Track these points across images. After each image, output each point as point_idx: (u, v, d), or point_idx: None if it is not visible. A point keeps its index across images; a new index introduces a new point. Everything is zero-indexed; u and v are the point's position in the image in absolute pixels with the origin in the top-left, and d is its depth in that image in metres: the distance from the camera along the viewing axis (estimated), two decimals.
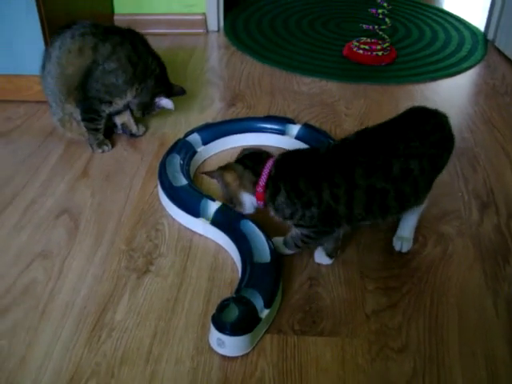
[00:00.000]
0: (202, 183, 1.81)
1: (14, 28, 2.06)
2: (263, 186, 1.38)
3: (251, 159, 1.43)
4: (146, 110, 1.99)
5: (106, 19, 2.85)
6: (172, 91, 2.00)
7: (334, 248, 1.50)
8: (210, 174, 1.48)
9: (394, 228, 1.59)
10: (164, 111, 2.09)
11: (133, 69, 1.86)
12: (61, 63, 1.84)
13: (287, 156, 1.43)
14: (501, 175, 1.90)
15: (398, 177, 1.32)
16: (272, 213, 1.42)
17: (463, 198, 1.78)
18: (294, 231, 1.46)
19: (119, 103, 1.92)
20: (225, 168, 1.44)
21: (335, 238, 1.48)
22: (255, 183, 1.39)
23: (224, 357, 1.26)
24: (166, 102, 1.97)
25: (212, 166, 1.90)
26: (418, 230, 1.59)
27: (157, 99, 1.96)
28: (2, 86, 2.22)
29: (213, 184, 1.79)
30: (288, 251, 1.52)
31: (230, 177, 1.42)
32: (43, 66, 1.88)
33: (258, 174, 1.39)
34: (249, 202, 1.43)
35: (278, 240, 1.52)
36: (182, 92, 2.05)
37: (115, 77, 1.85)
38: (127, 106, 1.97)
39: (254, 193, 1.40)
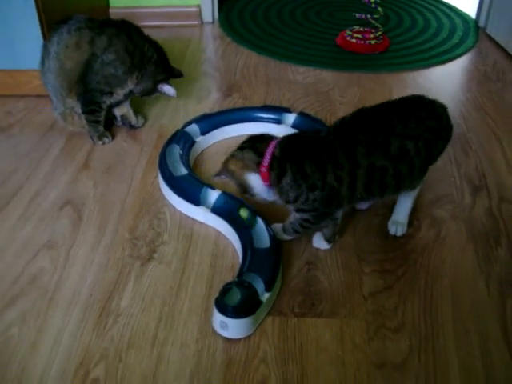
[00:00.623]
0: (201, 172, 1.85)
1: (13, 23, 2.09)
2: (267, 167, 1.39)
3: (252, 141, 1.45)
4: (148, 95, 2.03)
5: (102, 12, 2.87)
6: (173, 73, 2.04)
7: (333, 233, 1.54)
8: (217, 173, 1.48)
9: (389, 213, 1.63)
10: (163, 101, 2.13)
11: (130, 58, 1.90)
12: (59, 58, 1.86)
13: (291, 138, 1.44)
14: (492, 160, 1.94)
15: (395, 155, 1.36)
16: (275, 196, 1.44)
17: (456, 182, 1.83)
18: (293, 217, 1.50)
19: (120, 93, 1.96)
20: (226, 160, 1.46)
21: (333, 224, 1.52)
22: (259, 163, 1.40)
23: (227, 339, 1.30)
24: (168, 89, 2.00)
25: (211, 155, 1.95)
26: (412, 214, 1.63)
27: (159, 85, 2.00)
28: (1, 81, 2.25)
29: (212, 173, 1.83)
30: (287, 237, 1.56)
31: (232, 165, 1.43)
32: (42, 62, 1.91)
33: (261, 154, 1.40)
34: (259, 185, 1.43)
35: (277, 226, 1.56)
36: (180, 75, 2.07)
37: (114, 68, 1.88)
38: (127, 96, 2.01)
39: (258, 173, 1.40)
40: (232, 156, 1.45)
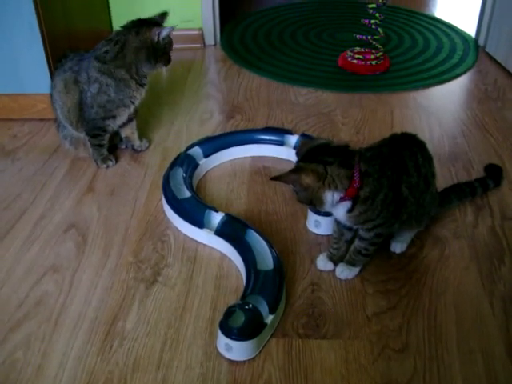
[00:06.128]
0: (205, 195, 1.86)
1: (17, 48, 2.12)
2: (359, 182, 1.32)
3: (337, 154, 1.34)
4: (165, 60, 1.95)
5: (105, 36, 2.90)
6: (159, 23, 1.92)
7: (342, 254, 1.55)
8: (282, 178, 1.36)
9: (390, 235, 1.63)
10: (166, 125, 2.14)
11: (114, 80, 1.88)
12: (58, 103, 1.95)
13: (368, 151, 1.39)
14: None
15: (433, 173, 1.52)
16: (345, 215, 1.39)
17: None
18: (357, 242, 1.48)
19: (123, 114, 1.96)
20: (300, 170, 1.33)
21: (346, 244, 1.54)
22: (350, 178, 1.32)
23: (232, 361, 1.31)
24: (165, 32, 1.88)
25: (214, 177, 1.96)
26: (415, 234, 1.64)
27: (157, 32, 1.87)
28: (6, 105, 2.28)
29: (215, 196, 1.85)
30: (357, 269, 1.53)
31: (308, 178, 1.32)
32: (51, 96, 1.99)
33: (351, 167, 1.32)
34: (334, 201, 1.34)
35: (341, 266, 1.53)
36: (164, 15, 1.95)
37: (105, 93, 1.89)
38: (131, 120, 2.03)
39: (345, 189, 1.32)
40: (310, 169, 1.32)
